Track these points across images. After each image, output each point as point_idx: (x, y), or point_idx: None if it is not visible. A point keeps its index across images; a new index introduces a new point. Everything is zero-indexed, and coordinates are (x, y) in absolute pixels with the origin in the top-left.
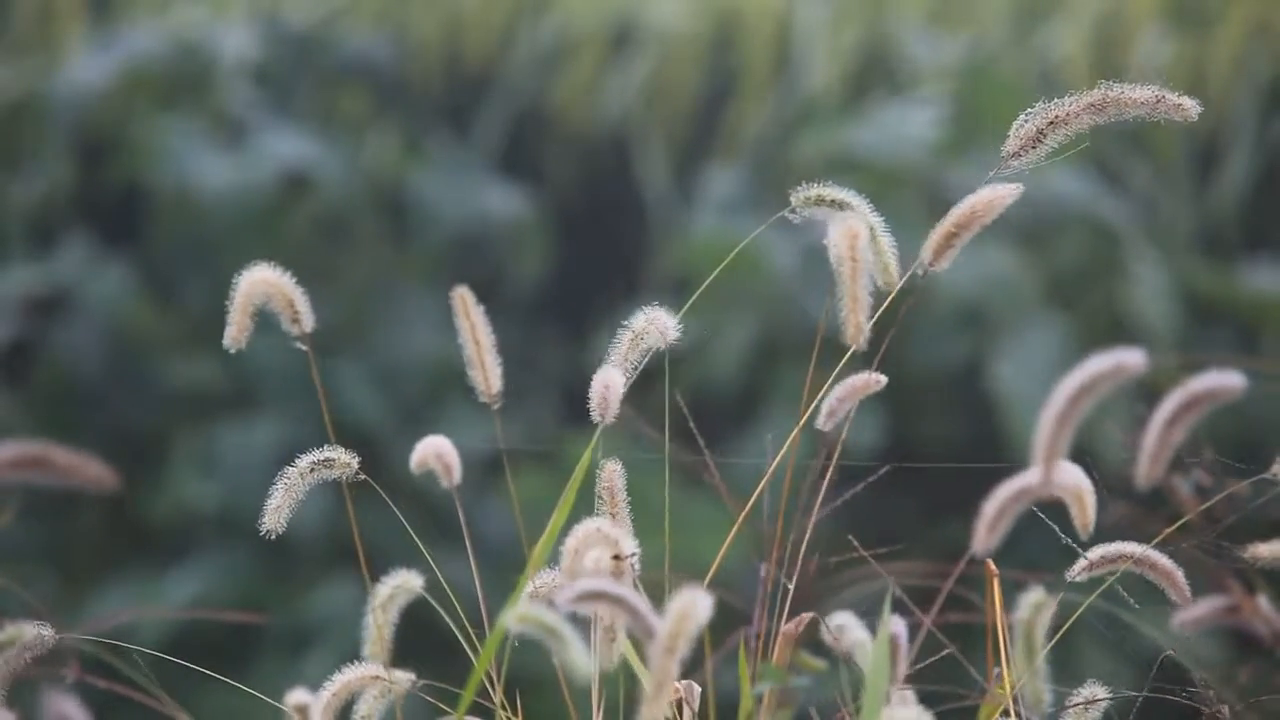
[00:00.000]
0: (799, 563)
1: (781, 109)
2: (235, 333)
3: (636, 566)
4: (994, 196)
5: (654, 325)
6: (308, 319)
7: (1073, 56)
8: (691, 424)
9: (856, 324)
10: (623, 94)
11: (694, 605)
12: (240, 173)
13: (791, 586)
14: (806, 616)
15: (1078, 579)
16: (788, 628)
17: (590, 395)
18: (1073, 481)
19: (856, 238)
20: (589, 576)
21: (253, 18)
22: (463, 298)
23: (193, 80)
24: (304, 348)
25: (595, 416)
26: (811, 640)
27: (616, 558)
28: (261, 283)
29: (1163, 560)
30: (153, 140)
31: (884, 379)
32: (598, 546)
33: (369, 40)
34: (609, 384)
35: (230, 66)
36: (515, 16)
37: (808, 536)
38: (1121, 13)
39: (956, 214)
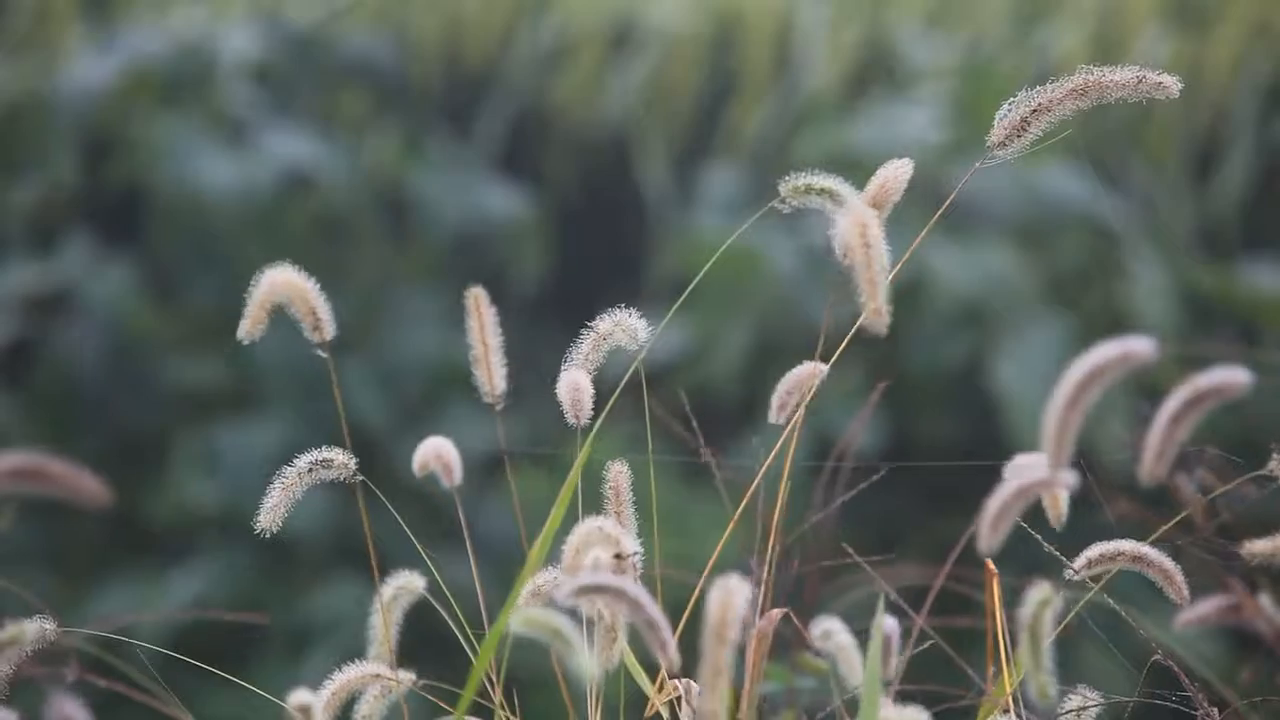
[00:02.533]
0: (799, 562)
1: (782, 109)
2: (250, 325)
3: (638, 565)
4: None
5: (621, 327)
6: (328, 326)
7: (1072, 56)
8: (694, 424)
9: (875, 307)
10: (623, 94)
11: (733, 592)
12: (242, 173)
13: (779, 584)
14: (777, 613)
15: (1075, 578)
16: (762, 624)
17: (559, 399)
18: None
19: (866, 225)
20: (589, 573)
21: (253, 18)
22: (476, 297)
23: (194, 80)
24: (323, 354)
25: (570, 419)
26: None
27: (618, 556)
28: (283, 283)
29: (1161, 559)
30: (154, 140)
31: (825, 367)
32: (599, 545)
33: (369, 40)
34: (577, 385)
35: (231, 67)
36: (515, 16)
37: (799, 534)
38: (1121, 12)
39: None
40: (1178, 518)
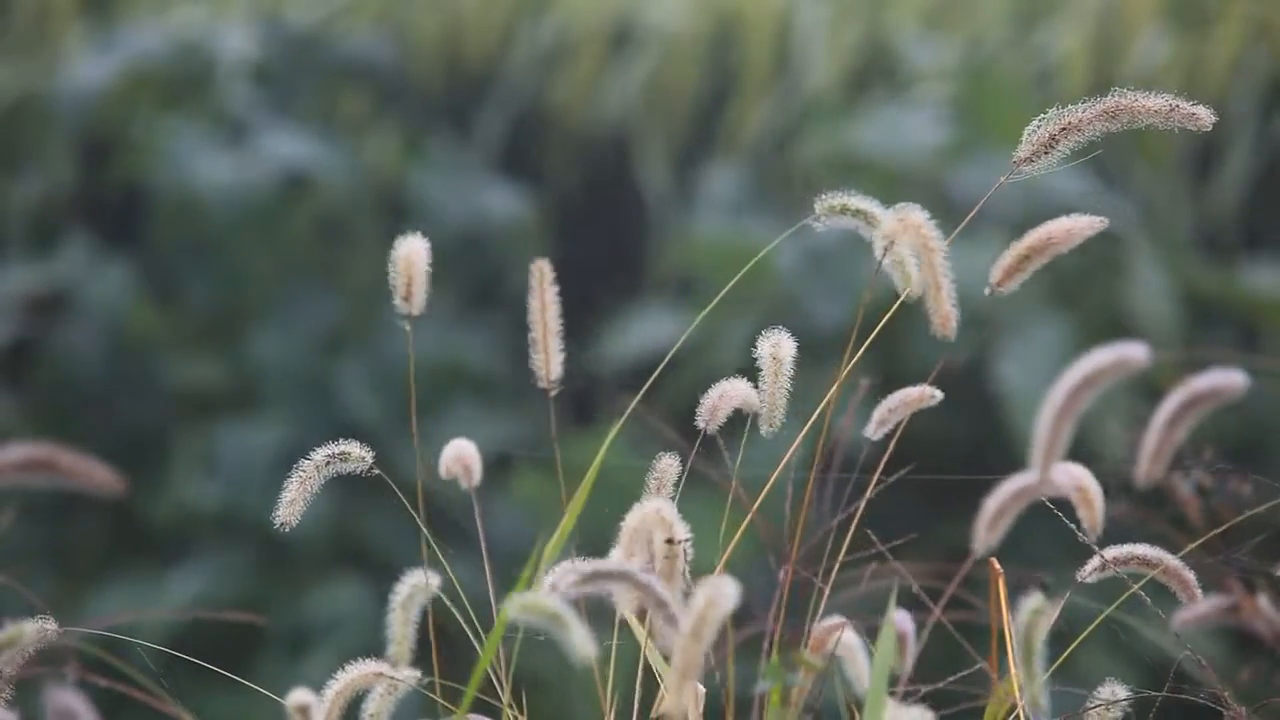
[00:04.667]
0: (799, 563)
1: (782, 108)
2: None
3: (689, 552)
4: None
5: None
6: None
7: (1072, 56)
8: (708, 425)
9: (944, 313)
10: (623, 94)
11: (720, 592)
12: (241, 173)
13: (823, 588)
14: (840, 623)
15: (1088, 580)
16: (823, 630)
17: (703, 402)
18: (1078, 481)
19: (921, 226)
20: (647, 559)
21: (253, 18)
22: (541, 269)
23: (193, 80)
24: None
25: (700, 423)
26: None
27: (669, 541)
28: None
29: (1173, 562)
30: (153, 140)
31: (939, 394)
32: (655, 528)
33: (369, 40)
34: (724, 394)
35: (230, 66)
36: (515, 16)
37: (815, 536)
38: (1121, 12)
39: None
40: (1171, 518)
